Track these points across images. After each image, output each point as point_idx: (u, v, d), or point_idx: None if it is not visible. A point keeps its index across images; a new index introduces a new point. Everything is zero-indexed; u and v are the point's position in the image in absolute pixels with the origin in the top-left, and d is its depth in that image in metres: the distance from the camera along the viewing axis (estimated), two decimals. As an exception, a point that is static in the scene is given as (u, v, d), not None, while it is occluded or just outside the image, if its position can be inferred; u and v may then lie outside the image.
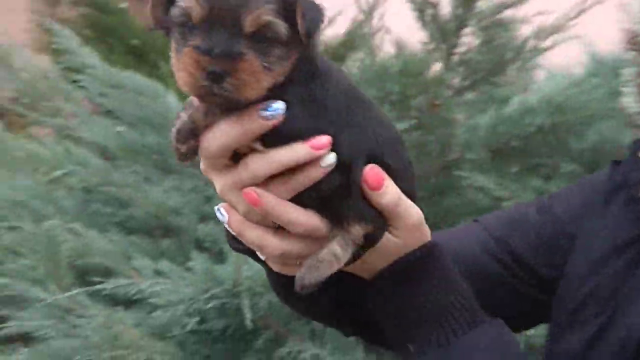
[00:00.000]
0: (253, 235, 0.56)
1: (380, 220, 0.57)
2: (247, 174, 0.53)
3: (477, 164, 1.71)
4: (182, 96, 2.95)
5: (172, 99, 2.58)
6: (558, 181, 1.89)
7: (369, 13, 2.97)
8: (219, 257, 2.04)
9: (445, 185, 1.97)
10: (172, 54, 0.51)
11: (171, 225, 2.13)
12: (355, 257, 0.57)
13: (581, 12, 1.50)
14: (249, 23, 0.47)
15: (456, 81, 1.73)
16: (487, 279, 0.72)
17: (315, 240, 0.56)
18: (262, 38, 0.48)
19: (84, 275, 1.85)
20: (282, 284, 0.63)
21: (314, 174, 0.53)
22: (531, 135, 1.73)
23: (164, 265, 1.81)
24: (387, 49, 1.71)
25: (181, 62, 0.49)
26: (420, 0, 1.56)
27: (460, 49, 1.67)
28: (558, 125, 1.70)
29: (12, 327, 1.56)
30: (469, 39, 1.65)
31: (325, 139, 0.52)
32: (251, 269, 1.37)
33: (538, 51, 1.60)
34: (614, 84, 1.68)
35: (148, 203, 2.03)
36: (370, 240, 0.57)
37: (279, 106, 0.50)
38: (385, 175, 0.57)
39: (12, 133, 2.64)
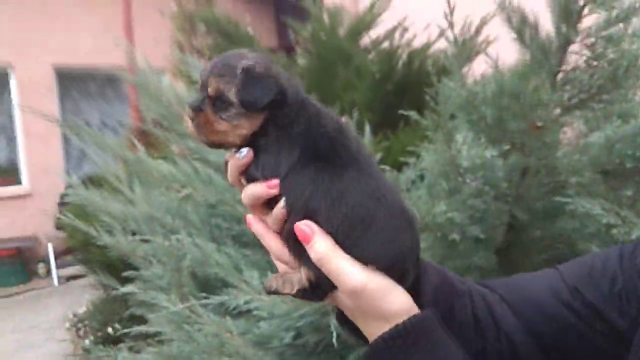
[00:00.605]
0: (267, 237, 0.74)
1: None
2: (244, 201, 0.73)
3: (584, 188, 1.60)
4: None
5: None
6: None
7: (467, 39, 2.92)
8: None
9: (554, 208, 1.86)
10: None
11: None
12: (300, 296, 0.70)
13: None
14: (210, 89, 0.70)
15: (562, 100, 1.64)
16: (561, 327, 0.72)
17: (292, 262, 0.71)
18: (222, 100, 0.70)
19: (202, 285, 2.08)
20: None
21: (277, 212, 0.69)
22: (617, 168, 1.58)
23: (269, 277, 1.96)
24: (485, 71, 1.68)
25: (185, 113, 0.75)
26: (518, 21, 1.51)
27: (566, 67, 1.58)
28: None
29: (142, 328, 1.81)
30: (574, 57, 1.56)
31: (275, 181, 0.69)
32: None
33: (655, 66, 1.46)
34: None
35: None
36: (313, 287, 0.68)
37: (244, 151, 0.71)
38: (317, 235, 0.66)
39: (151, 154, 3.04)
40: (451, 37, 1.60)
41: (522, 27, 1.52)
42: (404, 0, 3.45)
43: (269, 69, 0.71)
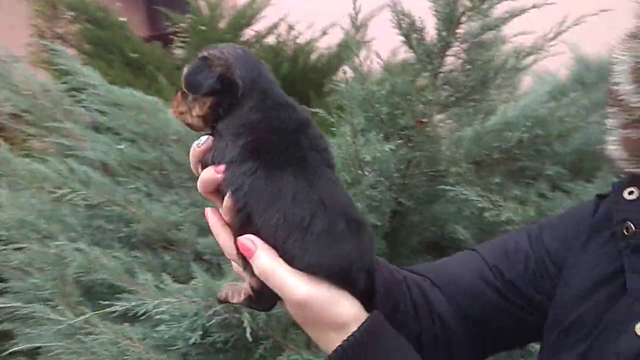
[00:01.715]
0: (221, 236, 0.73)
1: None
2: (199, 188, 0.72)
3: (461, 177, 1.79)
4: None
5: (168, 112, 2.67)
6: (542, 184, 1.97)
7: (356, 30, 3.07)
8: (218, 270, 2.12)
9: (434, 195, 2.06)
10: None
11: (172, 240, 2.21)
12: (247, 305, 0.72)
13: (558, 33, 1.58)
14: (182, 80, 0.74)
15: (441, 99, 1.81)
16: (486, 305, 0.80)
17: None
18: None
19: (90, 292, 1.93)
20: None
21: (226, 202, 0.69)
22: (513, 147, 1.81)
23: (166, 280, 1.89)
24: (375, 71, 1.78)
25: None
26: (407, 25, 1.63)
27: (445, 69, 1.74)
28: (539, 137, 1.78)
29: (19, 344, 1.63)
30: (452, 60, 1.73)
31: (221, 167, 0.69)
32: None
33: (517, 70, 1.68)
34: (594, 97, 1.76)
35: (149, 219, 2.11)
36: (257, 295, 0.69)
37: (203, 138, 0.73)
38: (260, 250, 0.65)
39: (11, 149, 2.71)
40: (346, 34, 1.66)
41: (410, 32, 1.65)
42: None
43: (226, 59, 0.72)
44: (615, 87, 0.70)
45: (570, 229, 0.82)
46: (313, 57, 3.12)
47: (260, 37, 3.71)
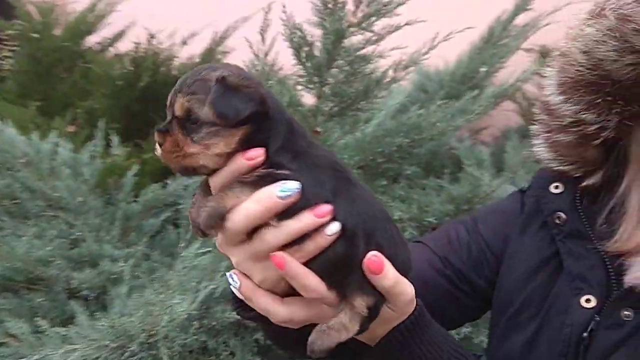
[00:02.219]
0: (262, 301, 0.64)
1: (379, 293, 0.67)
2: (264, 246, 0.61)
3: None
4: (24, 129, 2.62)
5: (10, 131, 2.32)
6: (403, 182, 2.18)
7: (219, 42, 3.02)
8: (99, 305, 1.92)
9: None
10: None
11: (39, 278, 1.93)
12: (362, 329, 0.66)
13: (431, 48, 1.77)
14: (177, 109, 0.64)
15: (327, 109, 1.88)
16: (436, 291, 0.88)
17: (320, 308, 0.65)
18: (192, 120, 0.63)
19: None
20: (282, 336, 0.70)
21: (320, 242, 0.61)
22: (394, 152, 1.97)
23: (42, 325, 1.65)
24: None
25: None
26: (297, 39, 1.67)
27: (332, 81, 1.83)
28: (414, 141, 1.96)
29: None
30: (337, 72, 1.82)
31: (326, 208, 0.61)
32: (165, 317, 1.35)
33: (396, 81, 1.84)
34: (457, 106, 2.00)
35: (11, 256, 1.81)
36: (373, 312, 0.67)
37: (294, 186, 0.60)
38: (385, 261, 0.65)
39: None
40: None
41: (302, 45, 1.70)
42: (140, 5, 3.28)
43: (247, 78, 0.64)
44: (547, 98, 0.83)
45: (500, 221, 0.95)
46: (175, 67, 2.97)
47: (105, 45, 3.41)
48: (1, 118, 2.41)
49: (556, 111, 0.82)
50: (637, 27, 0.69)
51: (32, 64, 3.29)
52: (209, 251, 1.68)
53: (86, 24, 3.38)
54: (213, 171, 0.64)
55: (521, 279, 0.86)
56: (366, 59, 1.81)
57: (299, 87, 1.75)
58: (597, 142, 0.81)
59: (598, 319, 0.77)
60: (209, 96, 0.62)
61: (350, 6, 1.70)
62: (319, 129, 1.78)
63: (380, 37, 1.76)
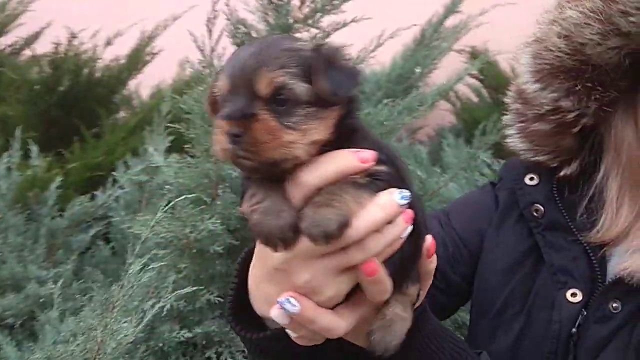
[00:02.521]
0: (326, 320, 0.57)
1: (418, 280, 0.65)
2: (362, 255, 0.54)
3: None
4: None
5: None
6: None
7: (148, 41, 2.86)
8: (26, 334, 1.73)
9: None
10: None
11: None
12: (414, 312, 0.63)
13: (378, 45, 1.74)
14: (262, 87, 0.50)
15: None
16: None
17: (365, 311, 0.60)
18: (282, 100, 0.51)
19: None
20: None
21: (397, 245, 0.57)
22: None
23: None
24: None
25: (215, 132, 0.50)
26: (241, 35, 1.59)
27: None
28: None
29: None
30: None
31: (411, 213, 0.57)
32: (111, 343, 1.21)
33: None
34: (401, 105, 1.99)
35: None
36: (418, 299, 0.64)
37: (409, 193, 0.55)
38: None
39: None
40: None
41: (244, 41, 1.61)
42: (58, 4, 3.03)
43: (342, 51, 0.54)
44: (523, 87, 0.81)
45: (473, 215, 0.92)
46: (98, 69, 2.76)
47: (19, 47, 3.12)
48: None
49: (533, 100, 0.81)
50: (623, 8, 0.68)
51: None
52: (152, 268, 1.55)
53: (-5, 24, 3.08)
54: (295, 166, 0.53)
55: (501, 276, 0.84)
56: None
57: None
58: (576, 129, 0.80)
59: (585, 313, 0.76)
60: (316, 69, 0.51)
61: (296, 1, 1.63)
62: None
63: (326, 34, 1.71)
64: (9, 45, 3.13)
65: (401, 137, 3.06)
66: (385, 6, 3.15)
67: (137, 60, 2.86)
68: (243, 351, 1.62)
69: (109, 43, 2.82)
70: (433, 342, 0.67)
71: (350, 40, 1.76)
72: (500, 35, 2.94)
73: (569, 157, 0.83)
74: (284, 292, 0.57)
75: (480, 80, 3.10)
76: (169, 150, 2.56)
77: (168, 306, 1.45)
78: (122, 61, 2.88)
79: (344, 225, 0.51)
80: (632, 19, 0.66)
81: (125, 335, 1.20)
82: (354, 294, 0.60)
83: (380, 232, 0.55)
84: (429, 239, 0.64)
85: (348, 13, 1.72)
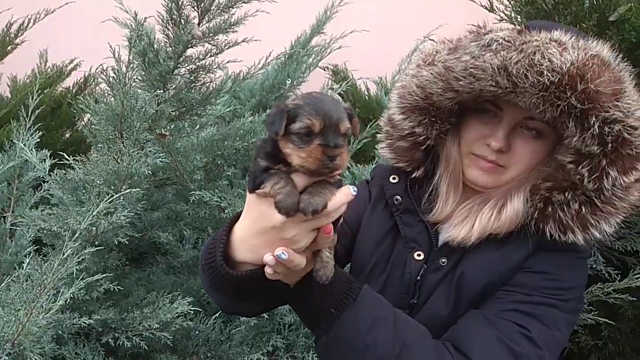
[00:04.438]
0: (298, 259, 0.90)
1: None
2: (327, 220, 0.89)
3: (199, 183, 2.03)
4: None
5: None
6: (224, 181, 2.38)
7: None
8: None
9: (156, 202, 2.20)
10: (290, 149, 0.87)
11: None
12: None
13: (266, 64, 2.02)
14: (342, 129, 0.88)
15: (166, 114, 1.97)
16: None
17: (310, 253, 0.93)
18: (345, 136, 0.90)
19: None
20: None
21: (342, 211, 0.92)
22: (232, 154, 2.17)
23: None
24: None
25: (310, 152, 0.86)
26: (143, 45, 1.73)
27: (173, 86, 1.93)
28: (250, 145, 2.18)
29: None
30: (180, 79, 1.93)
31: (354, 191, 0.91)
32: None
33: (235, 90, 2.04)
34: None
35: None
36: (333, 243, 0.97)
37: (355, 188, 0.91)
38: None
39: None
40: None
41: (147, 51, 1.77)
42: None
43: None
44: (392, 116, 1.17)
45: (355, 203, 1.26)
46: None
47: None
48: None
49: (398, 125, 1.16)
50: (456, 75, 1.03)
51: None
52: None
53: None
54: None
55: (372, 246, 1.18)
56: (207, 69, 1.96)
57: (140, 92, 1.81)
58: (423, 147, 1.17)
59: (425, 267, 1.12)
60: (355, 120, 0.91)
61: (195, 20, 1.83)
62: (165, 132, 1.86)
63: (219, 50, 1.94)
64: None
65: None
66: (269, 27, 3.42)
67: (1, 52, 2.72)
68: (140, 334, 1.77)
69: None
70: (335, 273, 0.98)
71: (239, 57, 2.03)
72: (357, 57, 3.43)
73: (418, 165, 1.19)
74: (271, 244, 0.89)
75: (342, 97, 3.53)
76: (38, 146, 2.51)
77: (70, 295, 1.54)
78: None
79: (325, 206, 0.87)
80: (460, 82, 1.03)
81: (44, 319, 1.29)
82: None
83: (338, 209, 0.90)
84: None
85: (239, 33, 1.97)
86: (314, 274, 0.94)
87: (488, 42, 0.98)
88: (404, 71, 1.14)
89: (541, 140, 1.08)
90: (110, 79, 1.59)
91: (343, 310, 0.96)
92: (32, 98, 2.53)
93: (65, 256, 1.46)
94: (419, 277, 1.12)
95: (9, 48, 2.86)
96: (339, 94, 3.59)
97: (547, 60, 0.92)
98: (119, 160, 1.54)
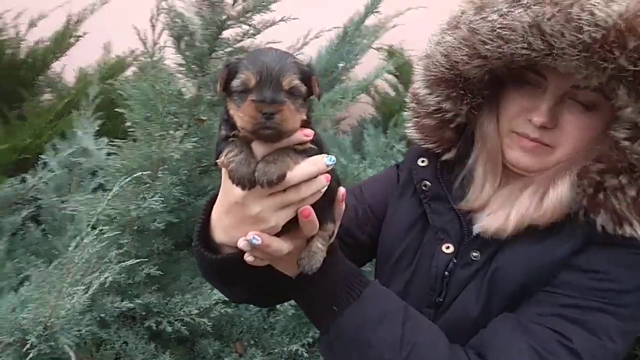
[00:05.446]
0: (276, 244, 0.80)
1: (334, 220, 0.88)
2: (297, 196, 0.78)
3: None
4: None
5: None
6: None
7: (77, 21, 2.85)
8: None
9: (202, 188, 2.20)
10: (232, 109, 0.78)
11: None
12: (328, 250, 0.87)
13: (305, 44, 1.94)
14: (285, 84, 0.76)
15: (207, 99, 1.94)
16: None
17: (300, 241, 0.83)
18: (292, 93, 0.77)
19: None
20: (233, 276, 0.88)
21: (318, 195, 0.81)
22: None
23: None
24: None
25: (244, 110, 0.75)
26: (179, 28, 1.71)
27: (211, 70, 1.90)
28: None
29: None
30: (217, 62, 1.89)
31: (329, 177, 0.81)
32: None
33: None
34: (326, 97, 2.20)
35: None
36: (333, 234, 0.87)
37: (334, 159, 0.80)
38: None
39: None
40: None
41: (182, 35, 1.74)
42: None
43: None
44: (416, 91, 1.05)
45: (381, 188, 1.15)
46: (21, 51, 2.72)
47: None
48: None
49: (423, 101, 1.04)
50: (482, 38, 0.89)
51: None
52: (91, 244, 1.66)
53: None
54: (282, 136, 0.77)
55: (399, 235, 1.07)
56: (244, 51, 1.91)
57: (180, 76, 1.80)
58: (453, 125, 1.03)
59: (455, 261, 0.99)
60: (314, 78, 0.80)
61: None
62: (203, 117, 1.84)
63: (257, 31, 1.88)
64: None
65: (326, 127, 3.28)
66: (312, 6, 3.34)
67: (62, 43, 2.85)
68: (182, 319, 1.77)
69: (32, 24, 2.78)
70: (338, 266, 0.90)
71: (278, 37, 1.96)
72: (414, 35, 3.25)
73: (449, 145, 1.06)
74: (238, 223, 0.80)
75: (397, 77, 3.38)
76: (97, 134, 2.61)
77: (110, 279, 1.56)
78: (47, 43, 2.85)
79: (281, 176, 0.76)
80: (487, 46, 0.89)
81: (73, 303, 1.31)
82: (294, 229, 0.82)
83: (309, 182, 0.78)
84: (341, 190, 0.88)
85: (277, 12, 1.90)
86: (297, 262, 0.85)
87: (519, -4, 0.83)
88: (430, 40, 1.01)
89: (593, 113, 0.91)
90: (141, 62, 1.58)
91: (345, 307, 0.87)
92: (93, 87, 2.65)
93: (86, 241, 1.47)
94: (446, 272, 1.00)
95: (72, 40, 2.99)
96: (396, 75, 3.47)
97: (587, 13, 0.76)
98: (151, 146, 1.53)
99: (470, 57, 0.93)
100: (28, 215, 2.27)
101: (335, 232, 0.90)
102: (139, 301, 1.72)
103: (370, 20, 3.18)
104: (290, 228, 0.82)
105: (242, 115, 0.75)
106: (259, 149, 0.78)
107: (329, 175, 0.80)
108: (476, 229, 1.00)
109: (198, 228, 0.90)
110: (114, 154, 2.07)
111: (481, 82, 0.98)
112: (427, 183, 1.07)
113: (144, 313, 1.79)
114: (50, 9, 2.82)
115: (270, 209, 0.78)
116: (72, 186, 2.53)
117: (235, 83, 0.77)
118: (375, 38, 3.22)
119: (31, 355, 1.22)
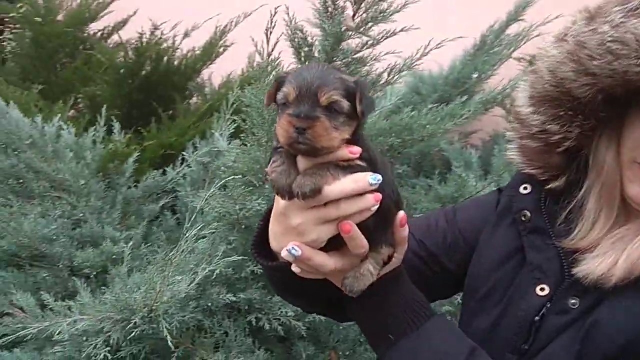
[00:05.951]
0: (319, 258, 0.79)
1: (393, 244, 0.85)
2: (336, 212, 0.76)
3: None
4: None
5: (15, 113, 2.39)
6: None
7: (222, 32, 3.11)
8: (99, 283, 2.02)
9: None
10: (277, 125, 0.78)
11: (43, 255, 2.02)
12: (391, 274, 0.84)
13: (423, 55, 1.87)
14: (323, 99, 0.74)
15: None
16: (408, 267, 0.96)
17: (351, 260, 0.81)
18: (332, 109, 0.75)
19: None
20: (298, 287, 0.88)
21: (365, 214, 0.78)
22: (386, 151, 2.08)
23: (47, 299, 1.75)
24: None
25: (280, 124, 0.75)
26: (298, 40, 1.77)
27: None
28: (405, 142, 2.07)
29: None
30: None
31: (379, 197, 0.78)
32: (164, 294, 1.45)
33: (390, 83, 1.94)
34: (446, 110, 2.10)
35: (19, 233, 1.90)
36: (390, 259, 0.85)
37: (379, 178, 0.77)
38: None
39: None
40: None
41: (302, 45, 1.80)
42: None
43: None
44: (518, 109, 0.95)
45: (477, 214, 1.06)
46: (176, 58, 3.06)
47: (107, 33, 3.49)
48: (5, 100, 2.47)
49: (525, 120, 0.93)
50: (590, 53, 0.79)
51: (34, 48, 3.35)
52: (206, 237, 1.79)
53: (89, 10, 3.46)
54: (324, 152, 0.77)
55: (489, 268, 0.97)
56: (362, 62, 1.91)
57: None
58: (560, 149, 0.91)
59: (549, 305, 0.88)
60: (358, 95, 0.77)
61: (349, 11, 1.79)
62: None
63: (376, 42, 1.86)
64: (100, 30, 3.50)
65: (452, 140, 3.15)
66: (444, 14, 3.22)
67: (211, 51, 3.13)
68: (279, 319, 1.83)
69: (186, 35, 3.10)
70: (401, 292, 0.86)
71: (399, 48, 1.92)
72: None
73: (557, 172, 0.94)
74: (285, 233, 0.80)
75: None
76: (232, 136, 2.83)
77: (218, 271, 1.67)
78: (198, 52, 3.16)
79: (316, 190, 0.74)
80: (595, 62, 0.78)
81: (179, 289, 1.43)
82: (345, 247, 0.81)
83: (352, 200, 0.76)
84: (400, 214, 0.84)
85: (399, 22, 1.86)
86: (342, 281, 0.82)
87: (637, 5, 0.70)
88: (536, 54, 0.90)
89: None
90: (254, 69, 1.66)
91: (402, 337, 0.82)
92: (233, 92, 2.88)
93: (189, 235, 1.57)
94: (537, 318, 0.88)
95: (221, 49, 3.28)
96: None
97: None
98: (258, 151, 1.61)
99: (577, 74, 0.82)
100: (166, 205, 2.54)
101: (396, 257, 0.87)
102: (243, 295, 1.81)
103: (511, 29, 2.98)
104: (341, 245, 0.81)
105: (279, 128, 0.76)
106: (301, 161, 0.78)
107: (379, 195, 0.77)
108: (577, 271, 0.87)
109: (256, 233, 0.92)
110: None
111: (593, 102, 0.85)
112: (527, 213, 0.96)
113: (246, 307, 1.88)
114: (203, 20, 3.14)
115: (310, 222, 0.77)
116: (205, 183, 2.78)
117: (279, 96, 0.78)
118: (517, 47, 3.00)
119: (133, 334, 1.37)
